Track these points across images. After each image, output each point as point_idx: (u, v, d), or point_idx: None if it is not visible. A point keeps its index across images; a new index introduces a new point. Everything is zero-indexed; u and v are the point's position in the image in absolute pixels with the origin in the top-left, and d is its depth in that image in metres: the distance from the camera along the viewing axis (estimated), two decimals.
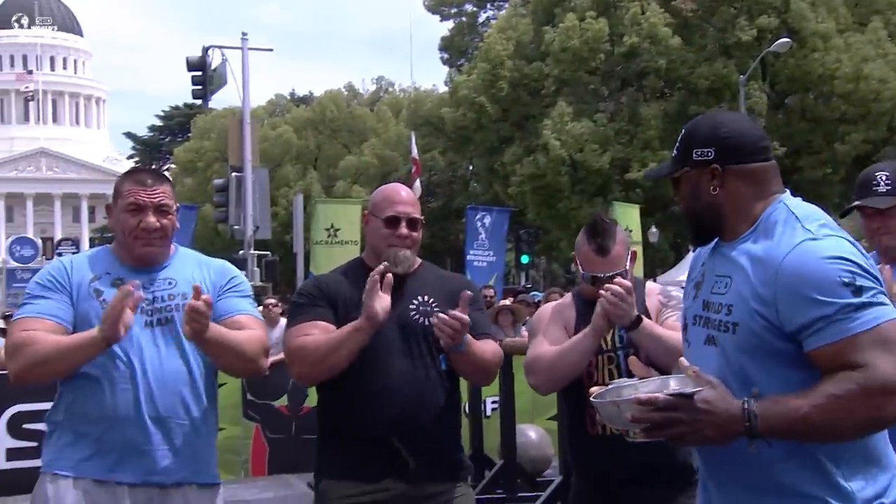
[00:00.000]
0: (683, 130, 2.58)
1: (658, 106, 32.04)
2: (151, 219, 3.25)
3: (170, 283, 3.33)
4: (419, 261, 3.59)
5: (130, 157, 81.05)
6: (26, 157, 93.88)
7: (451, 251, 39.98)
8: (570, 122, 31.17)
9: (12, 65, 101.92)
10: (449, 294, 3.48)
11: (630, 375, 3.28)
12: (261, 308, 13.52)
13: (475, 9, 39.58)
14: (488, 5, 39.46)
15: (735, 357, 2.38)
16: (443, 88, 40.99)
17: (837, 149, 30.91)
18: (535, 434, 8.28)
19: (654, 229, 29.39)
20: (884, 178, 3.51)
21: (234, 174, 19.97)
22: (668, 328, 3.45)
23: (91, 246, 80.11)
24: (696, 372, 2.30)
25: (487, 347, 3.46)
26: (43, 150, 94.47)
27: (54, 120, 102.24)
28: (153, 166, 74.39)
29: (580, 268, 3.58)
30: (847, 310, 2.23)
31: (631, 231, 15.84)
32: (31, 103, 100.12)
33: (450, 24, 39.37)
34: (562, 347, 3.46)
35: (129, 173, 3.41)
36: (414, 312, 3.44)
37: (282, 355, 10.66)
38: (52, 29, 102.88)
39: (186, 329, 3.07)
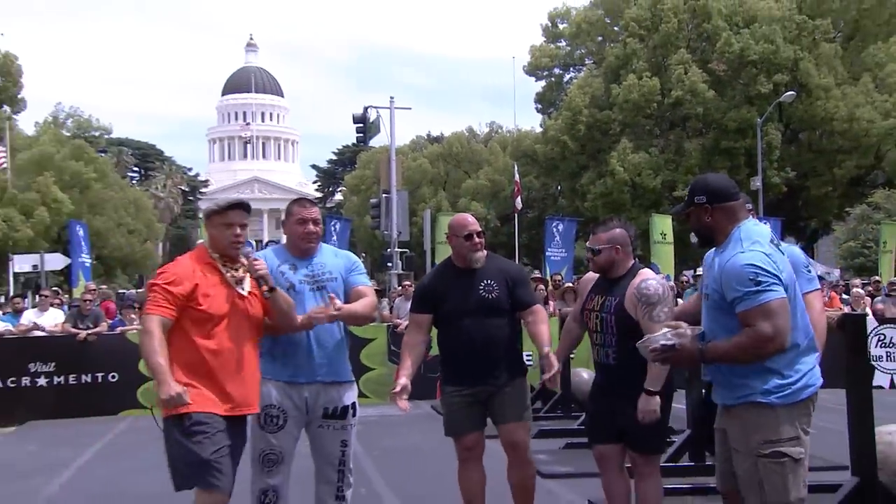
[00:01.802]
0: (690, 186, 3.33)
1: (697, 142, 31.43)
2: (311, 227, 3.82)
3: (322, 266, 3.85)
4: (486, 254, 4.16)
5: (315, 181, 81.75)
6: (244, 183, 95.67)
7: (542, 250, 39.93)
8: (631, 154, 30.93)
9: (236, 118, 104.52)
10: (503, 276, 4.11)
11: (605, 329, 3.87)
12: (400, 287, 14.14)
13: (561, 71, 39.28)
14: (571, 69, 39.14)
15: (709, 312, 3.15)
16: (538, 130, 40.88)
17: (836, 173, 29.94)
18: (587, 374, 8.39)
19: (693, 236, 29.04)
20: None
21: (384, 195, 20.41)
22: (646, 327, 3.73)
23: None
24: (678, 332, 3.07)
25: (543, 329, 4.05)
26: (256, 178, 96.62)
27: (263, 157, 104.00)
28: (330, 189, 75.88)
29: None
30: (750, 294, 2.93)
31: (665, 234, 15.74)
32: (248, 145, 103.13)
33: (543, 83, 39.31)
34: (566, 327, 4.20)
35: (296, 201, 3.97)
36: (482, 290, 4.07)
37: None
38: (263, 93, 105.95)
39: (325, 319, 3.61)
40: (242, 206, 3.50)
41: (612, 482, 4.03)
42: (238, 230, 3.45)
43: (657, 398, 3.73)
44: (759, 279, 2.91)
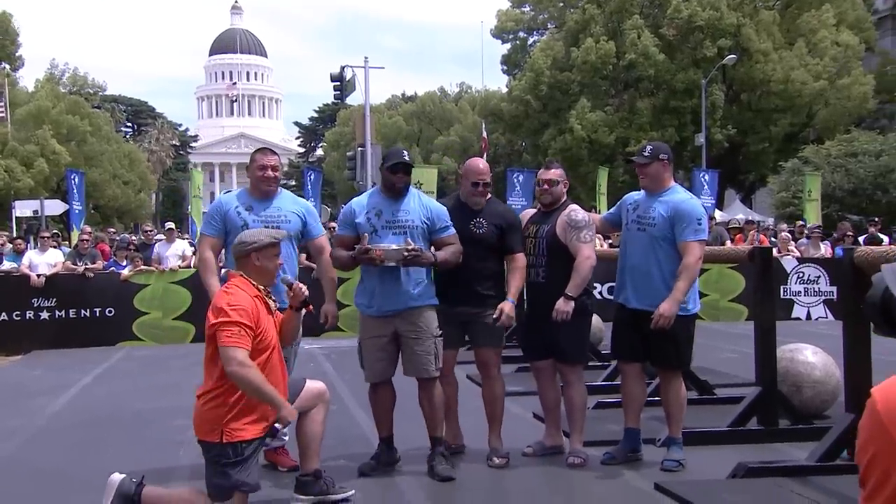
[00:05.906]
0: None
1: (649, 101, 31.37)
2: (270, 173, 4.00)
3: (278, 209, 4.03)
4: (490, 197, 4.23)
5: (297, 138, 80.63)
6: (232, 139, 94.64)
7: (505, 199, 39.89)
8: (589, 113, 30.73)
9: (223, 77, 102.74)
10: (498, 219, 4.14)
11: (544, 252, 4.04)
12: None
13: (526, 35, 38.81)
14: (534, 32, 38.70)
15: (420, 237, 3.96)
16: (504, 90, 40.61)
17: (772, 130, 30.09)
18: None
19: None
20: (648, 148, 4.06)
21: (359, 149, 20.10)
22: (574, 247, 4.01)
23: None
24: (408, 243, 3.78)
25: (516, 277, 4.06)
26: (242, 134, 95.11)
27: (249, 114, 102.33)
28: (312, 145, 74.97)
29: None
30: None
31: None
32: (234, 103, 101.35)
33: (508, 45, 38.90)
34: None
35: (259, 150, 4.12)
36: (473, 225, 4.13)
37: None
38: (248, 53, 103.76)
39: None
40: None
41: (545, 390, 4.26)
42: (280, 262, 3.37)
43: (572, 303, 3.92)
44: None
